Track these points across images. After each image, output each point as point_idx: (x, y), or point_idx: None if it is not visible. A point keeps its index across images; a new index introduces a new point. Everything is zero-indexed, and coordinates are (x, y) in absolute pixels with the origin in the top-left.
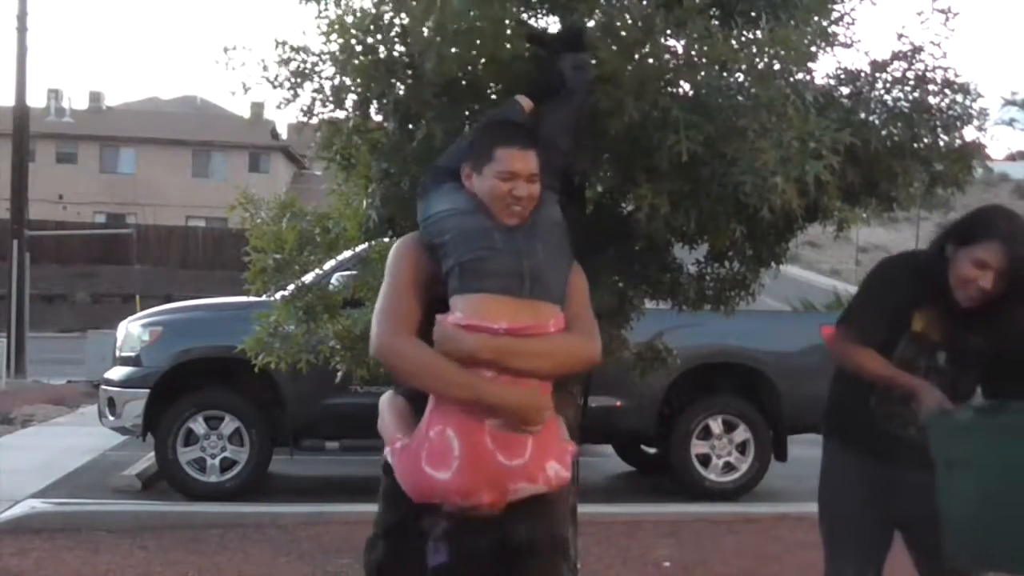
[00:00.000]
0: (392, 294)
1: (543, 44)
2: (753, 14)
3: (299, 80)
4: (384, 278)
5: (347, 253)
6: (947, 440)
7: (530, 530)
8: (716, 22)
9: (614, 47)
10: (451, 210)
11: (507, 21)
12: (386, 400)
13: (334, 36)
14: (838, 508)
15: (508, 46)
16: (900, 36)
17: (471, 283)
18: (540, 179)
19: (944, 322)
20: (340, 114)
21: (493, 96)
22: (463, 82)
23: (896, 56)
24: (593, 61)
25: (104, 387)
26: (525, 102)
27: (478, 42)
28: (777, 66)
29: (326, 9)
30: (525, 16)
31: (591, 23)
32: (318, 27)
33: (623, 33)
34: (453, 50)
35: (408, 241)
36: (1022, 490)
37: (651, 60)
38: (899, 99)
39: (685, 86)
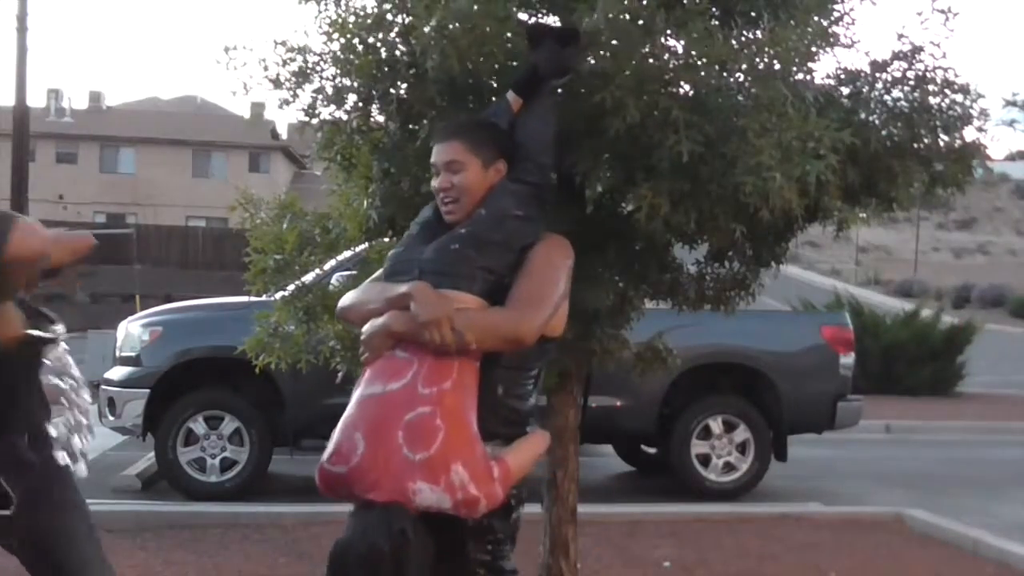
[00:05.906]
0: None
1: (533, 36)
2: (753, 14)
3: (300, 80)
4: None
5: (347, 253)
6: None
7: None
8: (716, 22)
9: (614, 43)
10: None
11: (508, 19)
12: None
13: (335, 36)
14: None
15: (509, 45)
16: (900, 36)
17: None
18: (467, 167)
19: None
20: (341, 114)
21: (494, 96)
22: (465, 80)
23: (896, 56)
24: (591, 60)
25: (104, 387)
26: (513, 99)
27: (480, 40)
28: (777, 66)
29: (326, 9)
30: (525, 16)
31: (587, 21)
32: (319, 27)
33: (623, 32)
34: (455, 48)
35: None
36: None
37: (651, 60)
38: (899, 99)
39: (685, 86)
